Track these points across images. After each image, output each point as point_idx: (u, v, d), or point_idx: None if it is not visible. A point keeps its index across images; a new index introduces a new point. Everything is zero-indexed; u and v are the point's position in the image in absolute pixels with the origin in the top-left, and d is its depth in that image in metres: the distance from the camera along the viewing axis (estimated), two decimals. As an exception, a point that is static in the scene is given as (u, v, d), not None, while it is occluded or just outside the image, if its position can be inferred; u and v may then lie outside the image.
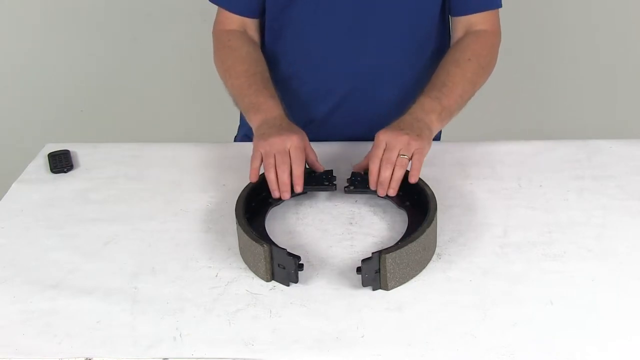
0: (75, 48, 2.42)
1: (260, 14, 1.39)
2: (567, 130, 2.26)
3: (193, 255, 1.09)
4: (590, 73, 2.45)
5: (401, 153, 1.13)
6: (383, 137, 1.15)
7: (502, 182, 1.24)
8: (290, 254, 0.99)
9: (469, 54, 1.31)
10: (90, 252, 1.11)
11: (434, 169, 1.27)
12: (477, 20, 1.34)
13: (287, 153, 1.14)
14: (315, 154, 1.20)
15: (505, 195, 1.20)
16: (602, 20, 2.36)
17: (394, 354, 0.89)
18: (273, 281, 1.02)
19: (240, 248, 1.07)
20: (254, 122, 1.23)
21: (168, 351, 0.91)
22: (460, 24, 1.36)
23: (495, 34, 1.36)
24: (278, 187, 1.13)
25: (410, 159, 1.14)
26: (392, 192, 1.13)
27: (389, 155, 1.13)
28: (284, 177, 1.12)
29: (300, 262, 1.01)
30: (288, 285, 1.01)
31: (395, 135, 1.14)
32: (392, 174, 1.12)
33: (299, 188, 1.13)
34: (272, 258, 1.00)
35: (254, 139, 1.19)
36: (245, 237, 1.02)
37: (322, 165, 1.20)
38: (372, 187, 1.14)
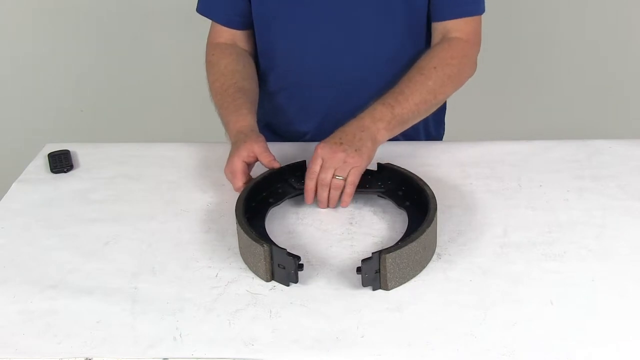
0: (76, 48, 2.42)
1: (248, 26, 1.40)
2: (567, 130, 2.26)
3: (193, 255, 1.09)
4: (591, 73, 2.45)
5: (336, 174, 1.13)
6: (321, 152, 1.14)
7: (502, 182, 1.24)
8: (290, 254, 0.99)
9: (436, 61, 1.28)
10: (90, 252, 1.11)
11: (434, 169, 1.27)
12: (452, 27, 1.32)
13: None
14: (261, 151, 1.19)
15: (505, 195, 1.20)
16: (602, 21, 2.36)
17: (394, 354, 0.89)
18: (273, 281, 1.02)
19: (240, 248, 1.07)
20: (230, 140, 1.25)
21: (168, 351, 0.91)
22: (438, 31, 1.33)
23: (470, 43, 1.32)
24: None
25: (347, 177, 1.14)
26: (332, 205, 1.16)
27: (324, 177, 1.14)
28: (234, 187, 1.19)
29: (300, 262, 1.00)
30: (288, 285, 1.01)
31: (333, 152, 1.14)
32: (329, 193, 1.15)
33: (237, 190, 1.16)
34: (272, 258, 1.00)
35: None
36: (245, 237, 1.02)
37: (272, 162, 1.18)
38: (308, 202, 1.16)
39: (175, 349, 0.91)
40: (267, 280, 1.02)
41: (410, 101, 1.22)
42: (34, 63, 2.44)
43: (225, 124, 1.28)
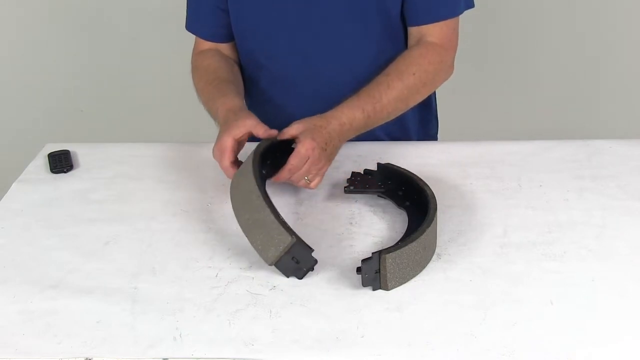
0: (75, 48, 2.42)
1: (231, 38, 1.42)
2: (567, 130, 2.26)
3: (193, 255, 1.09)
4: (591, 73, 2.45)
5: (308, 178, 1.16)
6: (311, 153, 1.14)
7: (502, 182, 1.24)
8: (311, 255, 1.00)
9: (415, 68, 1.28)
10: (90, 252, 1.11)
11: (434, 169, 1.27)
12: (427, 32, 1.31)
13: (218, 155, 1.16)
14: (254, 124, 1.17)
15: (505, 195, 1.20)
16: (603, 21, 2.36)
17: (394, 354, 0.90)
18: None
19: (247, 220, 1.04)
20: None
21: (168, 351, 0.91)
22: (413, 35, 1.34)
23: (445, 48, 1.32)
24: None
25: (312, 180, 1.18)
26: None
27: (299, 176, 1.15)
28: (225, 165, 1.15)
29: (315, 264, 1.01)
30: (288, 277, 1.01)
31: (319, 158, 1.15)
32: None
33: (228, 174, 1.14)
34: (290, 250, 1.00)
35: None
36: (271, 218, 1.00)
37: (269, 130, 1.17)
38: (274, 181, 1.17)
39: (175, 349, 0.92)
40: (269, 264, 1.01)
41: (384, 111, 1.25)
42: (34, 63, 2.44)
43: (213, 111, 1.27)
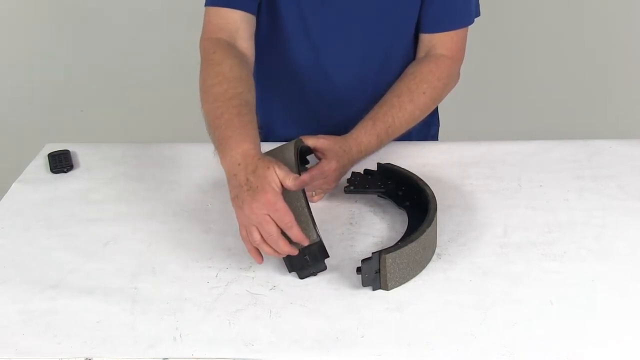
0: (75, 48, 2.42)
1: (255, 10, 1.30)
2: (567, 130, 2.26)
3: (193, 256, 1.09)
4: (591, 73, 2.45)
5: (315, 192, 1.19)
6: (333, 173, 1.16)
7: (502, 182, 1.24)
8: (324, 261, 1.01)
9: (425, 86, 1.29)
10: (90, 252, 1.11)
11: (434, 169, 1.27)
12: (438, 43, 1.32)
13: (269, 221, 0.98)
14: (289, 175, 1.01)
15: (505, 195, 1.20)
16: (602, 21, 2.36)
17: (394, 354, 0.90)
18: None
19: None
20: (223, 166, 1.07)
21: (168, 351, 0.91)
22: (424, 43, 1.34)
23: (454, 60, 1.33)
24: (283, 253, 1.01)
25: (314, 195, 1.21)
26: None
27: (310, 186, 1.17)
28: (280, 246, 0.99)
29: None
30: (290, 272, 1.02)
31: (334, 178, 1.18)
32: None
33: (304, 242, 1.00)
34: (307, 248, 1.00)
35: (231, 199, 1.03)
36: (304, 211, 1.01)
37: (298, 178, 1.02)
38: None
39: (175, 349, 0.92)
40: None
41: (396, 133, 1.27)
42: (34, 63, 2.44)
43: (225, 140, 1.08)
